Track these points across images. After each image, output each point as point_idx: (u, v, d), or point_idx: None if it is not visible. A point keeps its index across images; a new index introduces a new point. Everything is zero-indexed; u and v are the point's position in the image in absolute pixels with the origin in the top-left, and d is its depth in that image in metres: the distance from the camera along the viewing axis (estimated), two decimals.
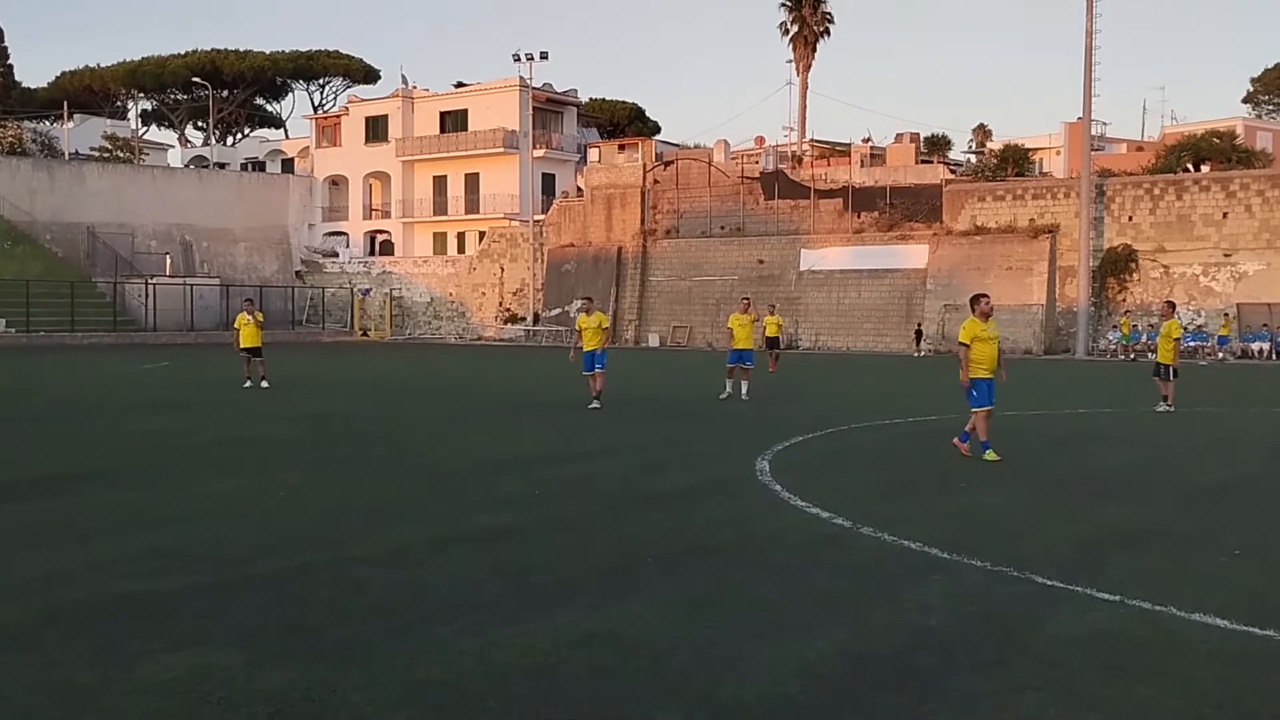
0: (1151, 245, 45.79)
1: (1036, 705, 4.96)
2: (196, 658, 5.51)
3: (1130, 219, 46.31)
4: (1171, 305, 21.00)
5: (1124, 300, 46.31)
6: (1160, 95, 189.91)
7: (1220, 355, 41.46)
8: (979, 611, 6.53)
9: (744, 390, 21.26)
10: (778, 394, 23.78)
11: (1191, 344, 43.25)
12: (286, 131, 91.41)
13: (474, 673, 5.33)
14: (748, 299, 23.68)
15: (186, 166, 78.36)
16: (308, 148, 74.39)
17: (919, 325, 47.76)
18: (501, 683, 5.19)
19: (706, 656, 5.61)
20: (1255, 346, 42.56)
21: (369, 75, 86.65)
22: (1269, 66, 74.90)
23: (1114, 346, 44.69)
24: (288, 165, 77.11)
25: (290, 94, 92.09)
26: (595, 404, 19.05)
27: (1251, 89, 75.92)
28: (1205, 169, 48.22)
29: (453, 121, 68.20)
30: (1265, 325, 42.91)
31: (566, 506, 9.94)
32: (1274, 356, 41.89)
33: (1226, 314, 43.41)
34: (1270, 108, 75.25)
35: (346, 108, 73.46)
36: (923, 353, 45.42)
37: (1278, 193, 43.55)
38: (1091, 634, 6.06)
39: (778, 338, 31.39)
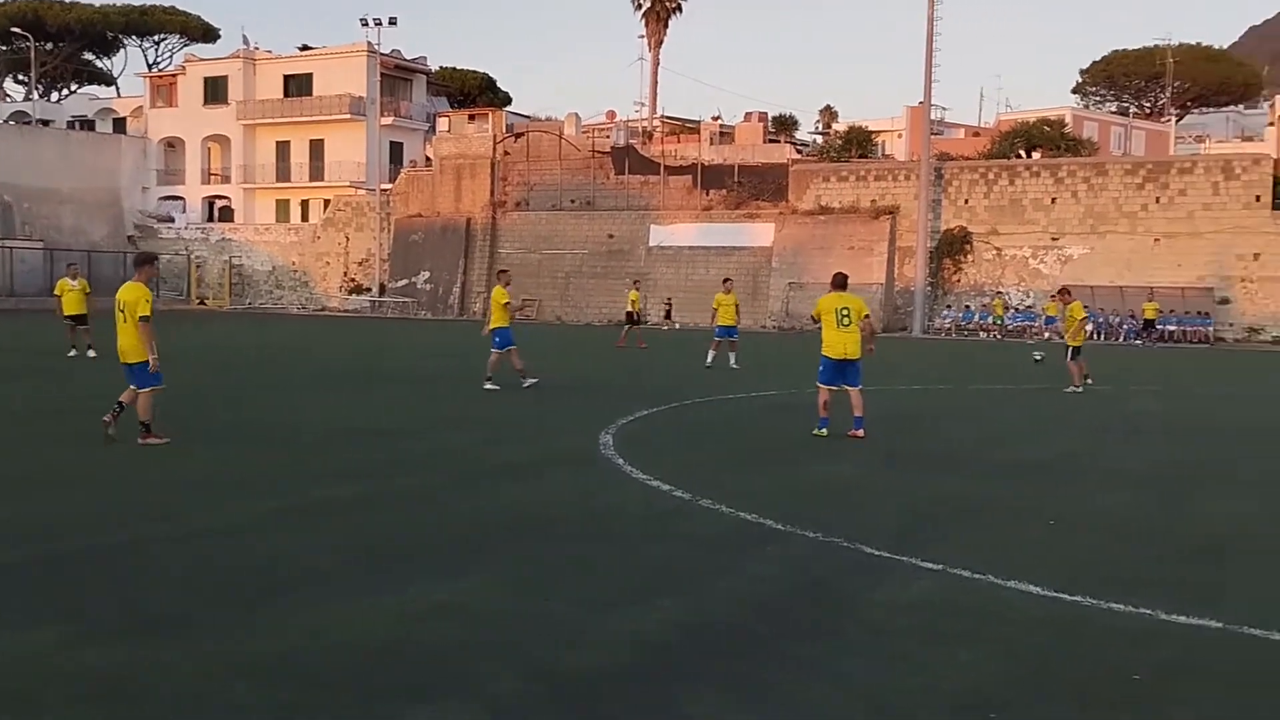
0: (985, 228, 47.64)
1: (863, 670, 5.15)
2: (23, 636, 5.29)
3: (966, 202, 48.08)
4: (1067, 290, 21.91)
5: (958, 281, 48.08)
6: (997, 83, 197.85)
7: (1047, 335, 43.45)
8: (812, 581, 6.73)
9: (733, 360, 23.29)
10: (624, 368, 23.97)
11: (1020, 323, 45.27)
12: (118, 89, 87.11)
13: (311, 647, 5.25)
14: (729, 280, 26.40)
15: (6, 122, 74.01)
16: (141, 107, 71.11)
17: (668, 301, 48.58)
18: (339, 657, 5.13)
19: (546, 627, 5.65)
20: (1090, 327, 44.67)
21: (208, 34, 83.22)
22: (1096, 59, 78.61)
23: (947, 325, 46.46)
24: (120, 125, 73.51)
25: (122, 50, 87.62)
26: (529, 381, 17.83)
27: (1080, 80, 79.57)
28: (1036, 155, 50.38)
29: (297, 85, 66.11)
30: (1088, 307, 45.07)
31: (412, 479, 9.84)
32: (1095, 336, 44.15)
33: (1053, 296, 45.45)
34: (1097, 98, 78.96)
35: (183, 67, 70.46)
36: (677, 326, 46.04)
37: (1101, 180, 45.82)
38: (916, 602, 6.32)
39: (635, 313, 31.80)
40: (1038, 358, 21.40)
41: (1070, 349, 20.40)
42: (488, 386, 17.76)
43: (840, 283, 13.42)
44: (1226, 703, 4.87)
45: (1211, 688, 5.04)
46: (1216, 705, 4.84)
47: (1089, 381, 20.20)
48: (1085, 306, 21.70)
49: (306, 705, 4.58)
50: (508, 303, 18.20)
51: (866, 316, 13.10)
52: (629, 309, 31.56)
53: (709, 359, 23.49)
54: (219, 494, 8.97)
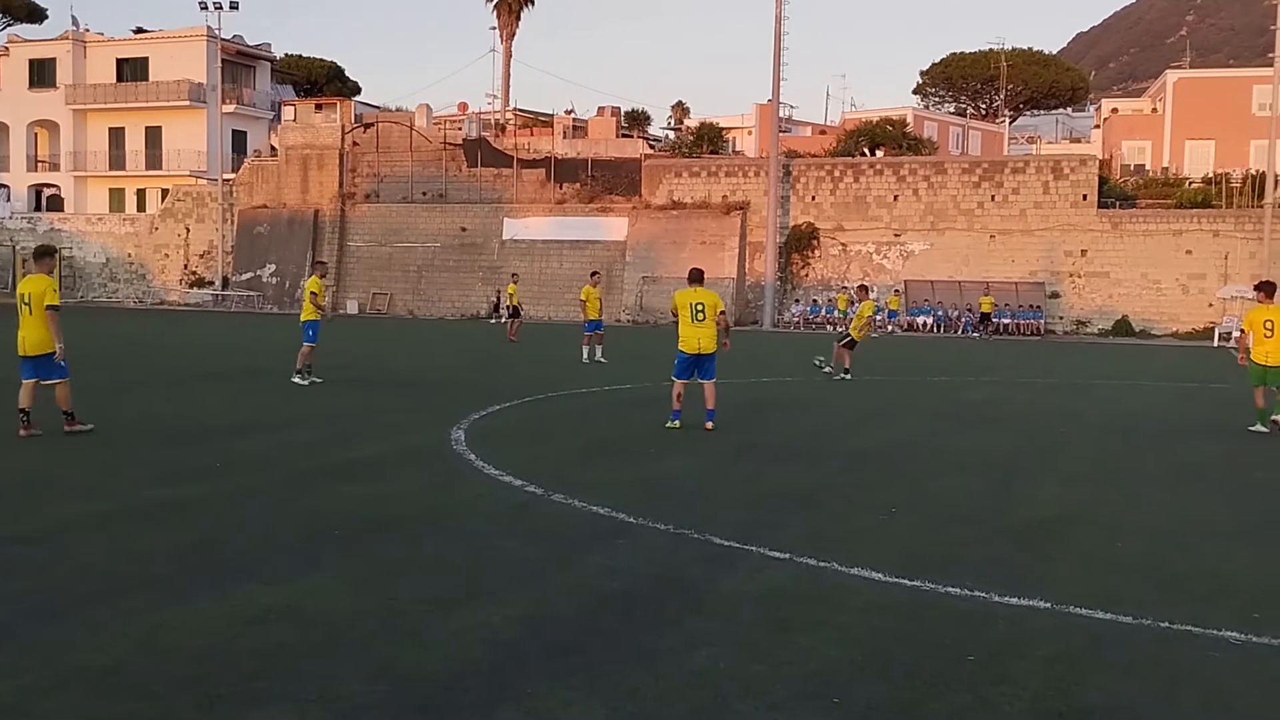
0: (832, 224, 48.82)
1: (709, 660, 5.20)
2: None
3: (813, 199, 49.17)
4: (865, 289, 22.88)
5: (806, 275, 49.16)
6: (842, 83, 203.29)
7: (890, 328, 44.84)
8: (660, 573, 6.78)
9: (599, 354, 23.48)
10: (475, 362, 23.78)
11: None
12: None
13: (138, 655, 5.03)
14: (598, 274, 26.79)
15: None
16: None
17: (498, 293, 48.66)
18: (169, 664, 4.92)
19: (390, 627, 5.54)
20: (920, 320, 46.32)
21: (33, 14, 78.91)
22: (935, 61, 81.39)
23: (796, 319, 47.50)
24: None
25: None
26: (312, 378, 17.48)
27: (921, 81, 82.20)
28: (880, 154, 51.85)
29: (131, 70, 63.42)
30: (928, 300, 46.74)
31: (250, 478, 9.54)
32: (936, 330, 45.73)
33: (896, 290, 46.98)
34: (936, 99, 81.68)
35: (6, 48, 66.83)
36: (495, 320, 46.35)
37: (940, 178, 47.44)
38: (763, 591, 6.42)
39: (516, 305, 32.09)
40: (818, 363, 21.97)
41: (849, 339, 20.92)
42: (310, 379, 17.31)
43: (696, 278, 13.63)
44: (1052, 679, 5.09)
45: (1038, 665, 5.25)
46: (1042, 682, 5.05)
47: (847, 376, 20.60)
48: (926, 300, 22.47)
49: (137, 715, 4.38)
50: (314, 293, 17.86)
51: (722, 312, 13.35)
52: (511, 303, 31.88)
53: (584, 355, 23.64)
54: (40, 497, 8.53)
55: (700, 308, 13.13)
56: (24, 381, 11.57)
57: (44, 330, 11.33)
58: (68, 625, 5.42)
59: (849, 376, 20.57)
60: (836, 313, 46.73)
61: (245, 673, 4.86)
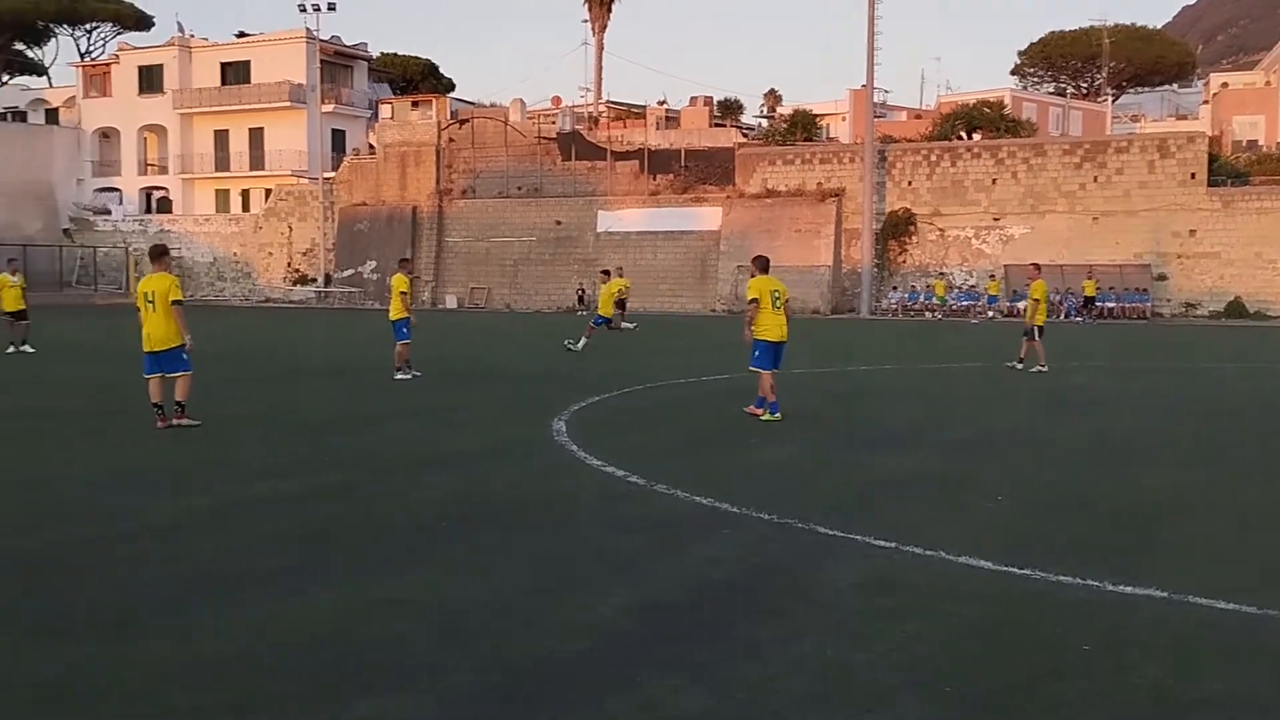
0: (929, 209, 48.07)
1: (814, 648, 5.17)
2: None
3: (909, 184, 48.46)
4: (1037, 267, 20.74)
5: (904, 262, 48.50)
6: (937, 65, 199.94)
7: (990, 314, 44.01)
8: (764, 562, 6.76)
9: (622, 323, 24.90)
10: (572, 354, 23.91)
11: (964, 303, 45.78)
12: (50, 79, 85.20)
13: (257, 645, 5.17)
14: (607, 271, 28.21)
15: None
16: (74, 97, 69.71)
17: (580, 287, 49.45)
18: (286, 654, 5.05)
19: (500, 617, 5.61)
20: (1020, 305, 45.27)
21: (141, 22, 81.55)
22: (1034, 40, 79.55)
23: (894, 306, 46.86)
24: (52, 116, 72.03)
25: (54, 39, 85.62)
26: (413, 372, 17.59)
27: (1018, 61, 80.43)
28: (977, 137, 50.84)
29: (234, 73, 65.13)
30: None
31: (356, 472, 9.74)
32: None
33: (994, 275, 46.06)
34: (1035, 80, 79.82)
35: (117, 55, 69.17)
36: (583, 311, 46.81)
37: (1040, 160, 46.38)
38: (868, 579, 6.36)
39: (625, 300, 32.50)
40: (1018, 367, 20.08)
41: (1033, 329, 19.79)
42: (411, 374, 17.46)
43: (766, 265, 13.54)
44: (1171, 668, 4.95)
45: (1156, 654, 5.11)
46: (1161, 670, 4.91)
47: (1018, 366, 19.84)
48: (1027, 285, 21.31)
49: (257, 704, 4.51)
50: (404, 291, 17.86)
51: (787, 301, 13.34)
52: (619, 296, 32.23)
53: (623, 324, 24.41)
54: (152, 491, 8.78)
55: (778, 295, 13.10)
56: (148, 378, 12.07)
57: (170, 326, 11.89)
58: (189, 616, 5.59)
59: (1045, 369, 19.46)
60: (935, 299, 45.99)
61: (360, 661, 4.96)
